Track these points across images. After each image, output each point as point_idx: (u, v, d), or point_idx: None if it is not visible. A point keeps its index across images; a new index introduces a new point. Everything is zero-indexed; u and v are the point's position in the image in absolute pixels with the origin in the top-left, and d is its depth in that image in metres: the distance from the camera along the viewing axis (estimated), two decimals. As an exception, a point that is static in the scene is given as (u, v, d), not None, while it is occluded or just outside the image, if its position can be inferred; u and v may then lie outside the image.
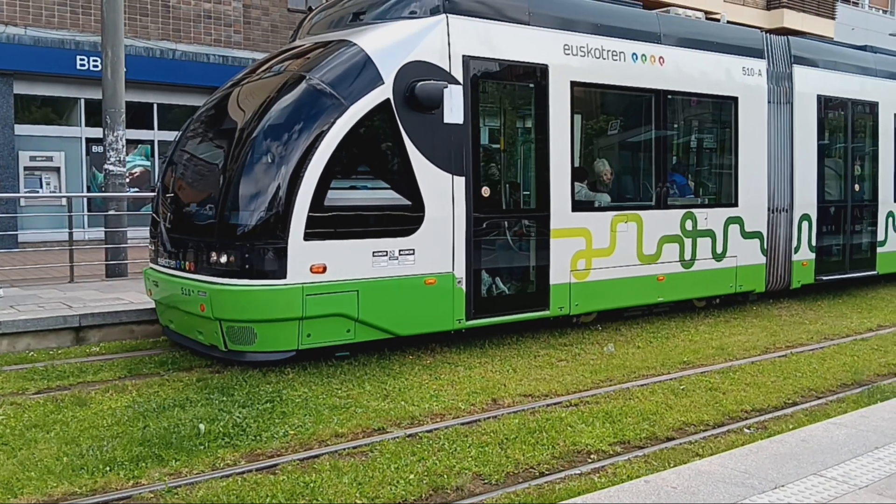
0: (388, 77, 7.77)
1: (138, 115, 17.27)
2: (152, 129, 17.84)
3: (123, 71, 11.64)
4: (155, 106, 17.73)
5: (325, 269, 7.37)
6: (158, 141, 17.71)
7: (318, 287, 7.35)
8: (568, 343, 9.05)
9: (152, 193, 9.88)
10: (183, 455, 5.46)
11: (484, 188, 8.54)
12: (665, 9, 11.35)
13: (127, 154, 13.82)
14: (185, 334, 8.10)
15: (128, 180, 13.44)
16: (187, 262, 7.72)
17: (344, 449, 5.63)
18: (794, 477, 4.42)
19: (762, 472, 4.50)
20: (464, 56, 8.31)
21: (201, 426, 5.92)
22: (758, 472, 4.48)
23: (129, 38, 15.71)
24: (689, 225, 10.36)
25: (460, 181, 8.22)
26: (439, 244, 8.09)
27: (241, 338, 7.39)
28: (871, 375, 7.91)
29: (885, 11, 32.70)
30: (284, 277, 7.23)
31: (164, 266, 8.17)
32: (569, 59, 9.20)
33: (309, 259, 7.30)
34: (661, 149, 10.31)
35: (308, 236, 7.29)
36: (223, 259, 7.31)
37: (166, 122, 17.76)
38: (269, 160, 7.35)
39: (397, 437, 5.84)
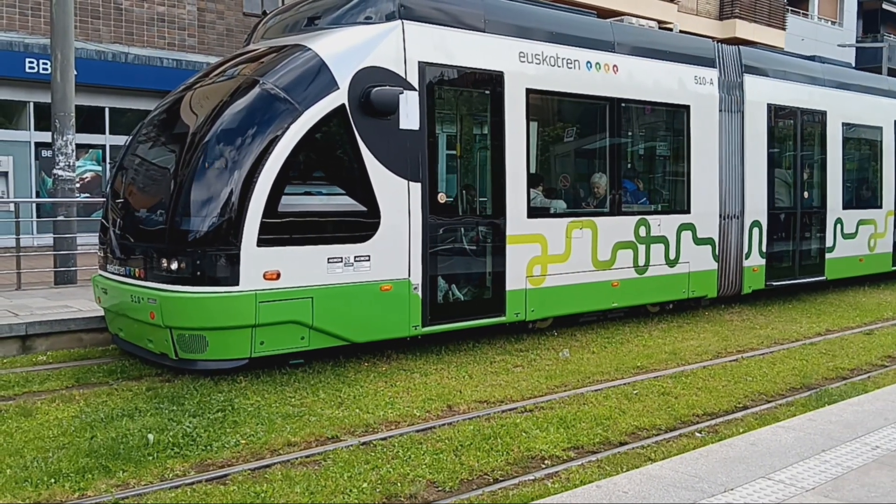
0: (343, 82, 7.73)
1: (90, 120, 16.95)
2: (104, 133, 17.52)
3: (74, 74, 11.41)
4: (107, 110, 17.43)
5: (278, 275, 7.29)
6: (110, 145, 17.40)
7: (272, 294, 7.26)
8: (524, 349, 9.08)
9: (103, 199, 9.68)
10: (131, 466, 5.35)
11: (440, 194, 8.54)
12: (619, 18, 11.49)
13: (78, 159, 13.58)
14: (134, 343, 7.94)
15: (78, 185, 13.15)
16: (137, 269, 7.58)
17: (296, 458, 5.56)
18: (743, 480, 4.47)
19: (712, 475, 4.54)
20: (419, 62, 8.30)
21: (150, 436, 5.80)
22: (708, 476, 4.52)
23: (80, 41, 15.42)
24: (642, 231, 10.48)
25: (416, 187, 8.21)
26: (395, 250, 8.06)
27: (192, 346, 7.27)
28: (819, 379, 8.06)
29: (833, 23, 33.56)
30: (237, 284, 7.14)
31: (113, 273, 8.01)
32: (524, 66, 9.25)
33: (262, 265, 7.21)
34: (616, 156, 10.41)
35: (261, 242, 7.20)
36: (174, 265, 7.19)
37: (118, 127, 17.45)
38: (222, 165, 7.25)
39: (351, 446, 5.78)
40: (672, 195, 11.39)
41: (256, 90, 7.57)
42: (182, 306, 7.15)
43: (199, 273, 7.14)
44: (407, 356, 8.54)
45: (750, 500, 4.20)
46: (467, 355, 8.71)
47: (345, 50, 7.94)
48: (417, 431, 6.15)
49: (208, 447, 5.73)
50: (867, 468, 4.68)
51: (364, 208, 7.90)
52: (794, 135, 13.02)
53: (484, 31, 8.96)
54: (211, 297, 7.13)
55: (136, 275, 7.58)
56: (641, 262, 10.47)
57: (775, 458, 4.83)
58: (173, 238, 7.26)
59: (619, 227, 10.23)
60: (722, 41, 13.67)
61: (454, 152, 9.42)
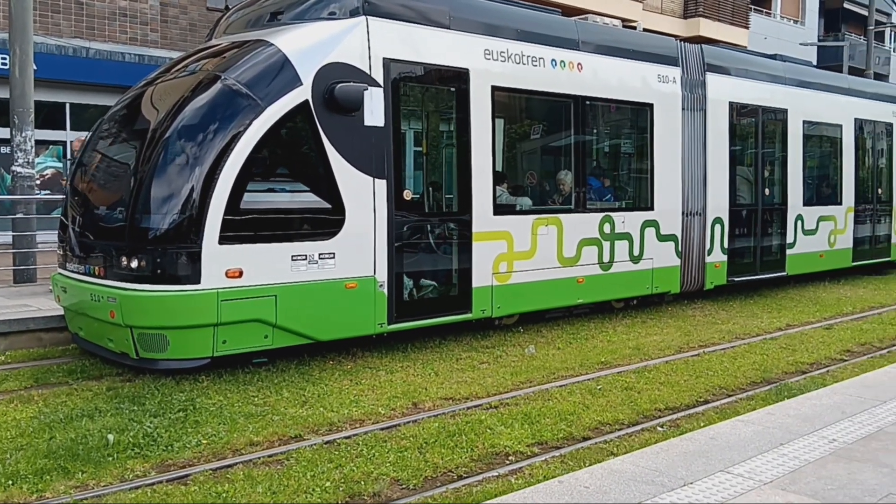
0: (307, 78, 7.67)
1: (50, 115, 16.64)
2: (65, 129, 17.21)
3: (33, 69, 11.18)
4: (67, 105, 17.12)
5: (241, 273, 7.22)
6: (71, 142, 17.09)
7: (234, 292, 7.19)
8: (490, 345, 9.10)
9: (63, 196, 9.52)
10: (90, 467, 5.27)
11: (406, 191, 8.52)
12: (583, 16, 11.55)
13: (38, 155, 13.31)
14: (95, 342, 7.82)
15: (38, 182, 12.91)
16: (97, 268, 7.46)
17: (259, 458, 5.51)
18: (702, 474, 4.52)
19: (672, 469, 4.58)
20: (384, 58, 8.27)
21: (110, 437, 5.72)
22: (668, 470, 4.56)
23: (40, 36, 15.12)
24: (607, 228, 10.55)
25: (381, 184, 8.18)
26: (360, 248, 8.02)
27: (153, 345, 7.17)
28: (779, 373, 8.17)
29: (795, 21, 34.04)
30: (198, 282, 7.06)
31: (72, 271, 7.88)
32: (490, 63, 9.26)
33: (224, 263, 7.14)
34: (581, 153, 10.47)
35: (223, 240, 7.13)
36: (134, 264, 7.08)
37: (80, 123, 17.13)
38: (183, 161, 7.17)
39: (314, 445, 5.75)
40: (636, 192, 11.48)
41: (218, 86, 7.49)
42: (142, 305, 7.05)
43: (159, 271, 7.05)
44: (373, 354, 8.51)
45: (708, 493, 4.25)
46: (433, 352, 8.71)
47: (308, 46, 7.89)
48: (382, 429, 6.13)
49: (169, 447, 5.66)
50: (824, 461, 4.76)
51: (328, 205, 7.85)
52: (756, 132, 13.19)
53: (449, 28, 8.95)
54: (172, 296, 7.04)
55: (96, 273, 7.46)
56: (606, 258, 10.54)
57: (734, 452, 4.89)
58: (133, 236, 7.16)
59: (584, 224, 10.28)
60: (686, 40, 13.81)
61: (420, 149, 9.40)
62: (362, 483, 5.07)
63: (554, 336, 9.69)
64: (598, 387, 7.41)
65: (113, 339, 7.43)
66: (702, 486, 4.36)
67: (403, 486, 5.10)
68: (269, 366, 7.81)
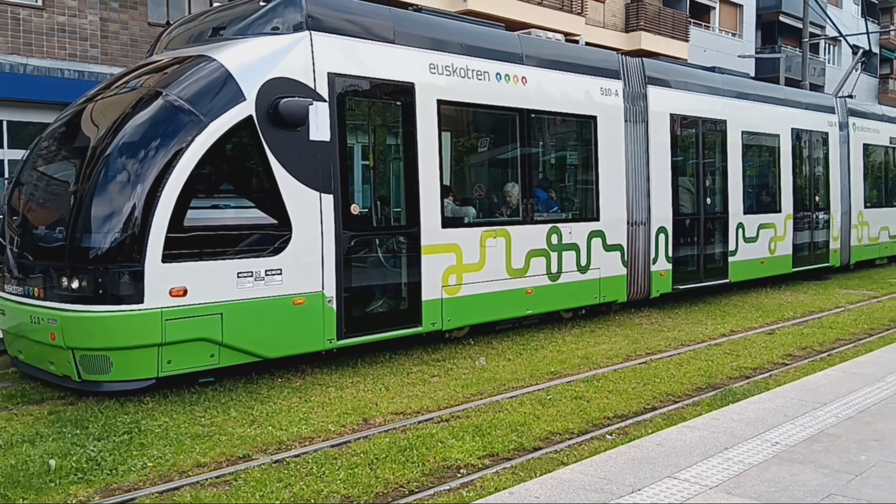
0: (250, 94, 7.61)
1: (-14, 134, 16.20)
2: (2, 147, 16.77)
3: (-34, 86, 10.89)
4: (4, 123, 16.69)
5: (185, 291, 7.11)
6: (9, 160, 16.66)
7: (179, 311, 7.08)
8: (441, 358, 9.10)
9: (0, 216, 9.27)
10: (31, 493, 5.15)
11: (353, 206, 8.50)
12: (527, 30, 11.69)
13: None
14: (35, 365, 7.63)
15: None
16: (36, 289, 7.30)
17: (206, 479, 5.42)
18: (650, 480, 4.59)
19: (620, 477, 4.65)
20: (329, 73, 8.25)
21: (52, 462, 5.60)
22: (616, 478, 4.63)
23: (-25, 52, 14.75)
24: (554, 239, 10.66)
25: (328, 199, 8.14)
26: (308, 263, 7.97)
27: (95, 367, 7.02)
28: (723, 379, 8.33)
29: (734, 34, 34.92)
30: (141, 302, 6.94)
31: (11, 293, 7.68)
32: (435, 77, 9.30)
33: (168, 282, 7.03)
34: (527, 166, 10.57)
35: (166, 258, 7.02)
36: (75, 284, 6.94)
37: (18, 141, 16.70)
38: (124, 179, 7.05)
39: (263, 464, 5.67)
40: (582, 203, 11.64)
41: (160, 102, 7.39)
42: (84, 326, 6.90)
43: (101, 291, 6.91)
44: (322, 370, 8.44)
45: (656, 499, 4.32)
46: (384, 367, 8.68)
47: (251, 61, 7.83)
48: (332, 446, 6.08)
49: (114, 471, 5.54)
50: (767, 464, 4.88)
51: (275, 221, 7.79)
52: (697, 143, 13.48)
53: (394, 43, 8.98)
54: (114, 316, 6.90)
55: (36, 294, 7.29)
56: (554, 269, 10.64)
57: (681, 458, 4.98)
58: (74, 255, 7.01)
59: (531, 236, 10.37)
60: (629, 53, 14.08)
61: (367, 163, 9.39)
62: (312, 502, 5.02)
63: (504, 347, 9.74)
64: (549, 397, 7.46)
65: (54, 361, 7.26)
66: (650, 492, 4.43)
67: (354, 503, 5.06)
68: (216, 385, 7.69)
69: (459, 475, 5.55)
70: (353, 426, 6.63)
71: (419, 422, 6.71)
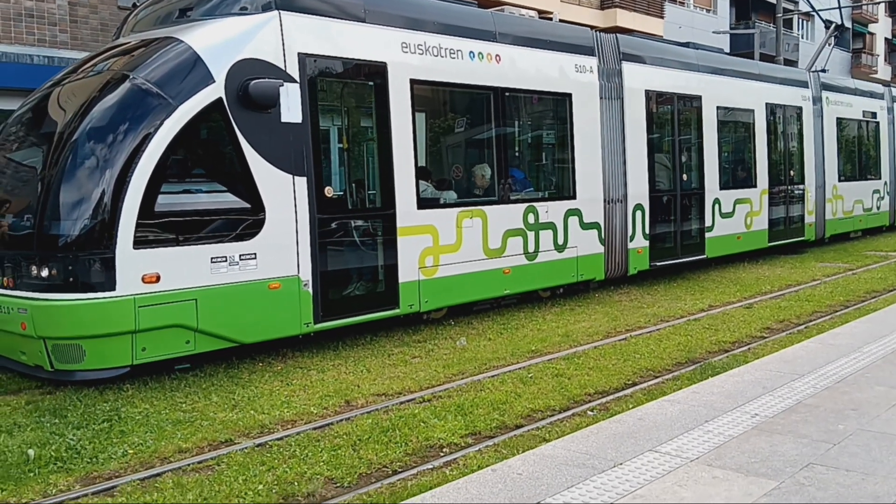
0: (219, 75, 7.57)
1: (-49, 122, 15.94)
2: (-34, 136, 16.52)
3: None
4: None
5: (158, 278, 7.09)
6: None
7: (152, 298, 7.06)
8: (422, 339, 9.17)
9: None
10: (10, 484, 5.15)
11: (327, 188, 8.49)
12: (500, 7, 11.68)
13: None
14: (7, 356, 7.58)
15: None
16: (5, 278, 7.25)
17: (188, 464, 5.45)
18: (631, 454, 4.68)
19: (602, 451, 4.73)
20: (299, 53, 8.21)
21: (30, 452, 5.61)
22: (598, 453, 4.71)
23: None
24: (531, 218, 10.72)
25: (302, 182, 8.13)
26: (282, 247, 7.97)
27: (68, 356, 6.99)
28: (703, 353, 8.46)
29: (708, 11, 35.05)
30: (113, 289, 6.91)
31: (-22, 284, 7.60)
32: (407, 56, 9.28)
33: (140, 268, 7.01)
34: (502, 145, 10.60)
35: (138, 244, 6.99)
36: (44, 272, 6.91)
37: (-18, 129, 16.47)
38: (92, 164, 7.00)
39: (246, 448, 5.71)
40: (558, 182, 11.70)
41: (127, 85, 7.34)
42: (55, 315, 6.87)
43: (71, 279, 6.88)
44: (303, 354, 8.48)
45: (638, 472, 4.40)
46: (365, 349, 8.73)
47: (219, 42, 7.78)
48: (315, 429, 6.12)
49: (94, 459, 5.56)
50: (747, 435, 4.99)
51: (247, 205, 7.77)
52: (672, 119, 13.59)
53: (365, 22, 8.94)
54: (85, 304, 6.87)
55: (5, 284, 7.25)
56: (531, 248, 10.71)
57: (661, 431, 5.08)
58: (43, 243, 6.97)
59: (508, 215, 10.43)
60: (604, 30, 14.11)
61: (340, 145, 9.38)
62: (296, 484, 5.06)
63: (485, 327, 9.82)
64: (530, 375, 7.55)
65: (26, 351, 7.22)
66: (631, 465, 4.52)
67: (338, 485, 5.11)
68: (196, 370, 7.70)
69: (442, 454, 5.62)
70: (336, 408, 6.67)
71: (401, 402, 6.77)
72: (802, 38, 41.05)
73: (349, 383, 7.37)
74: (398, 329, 9.52)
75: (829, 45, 21.60)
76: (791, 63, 31.21)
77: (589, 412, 6.52)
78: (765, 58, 25.92)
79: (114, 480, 5.22)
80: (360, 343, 8.97)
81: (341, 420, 6.32)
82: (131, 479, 5.20)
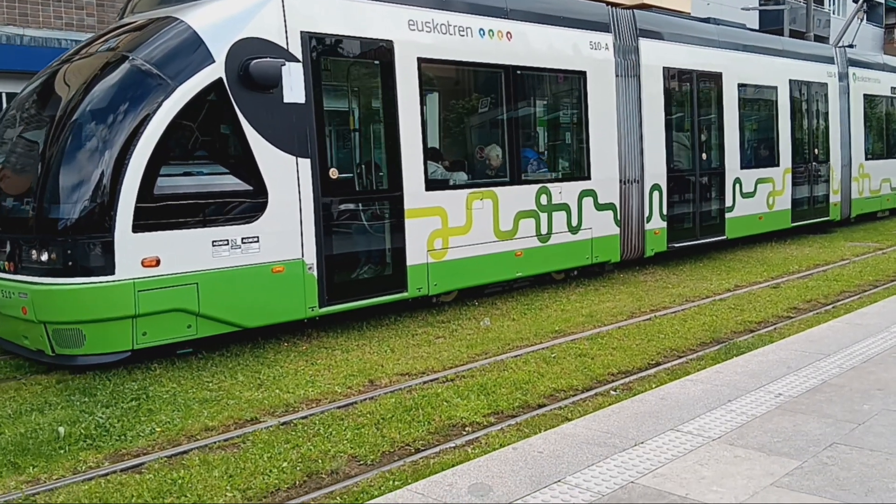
0: (220, 55, 7.66)
1: (-15, 105, 16.23)
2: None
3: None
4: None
5: (158, 262, 7.22)
6: (9, 131, 16.69)
7: (152, 282, 7.19)
8: (446, 320, 9.36)
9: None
10: (41, 461, 5.38)
11: (332, 170, 8.56)
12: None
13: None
14: (10, 340, 7.76)
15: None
16: (6, 262, 7.39)
17: (214, 442, 5.64)
18: (652, 433, 4.78)
19: (623, 430, 4.84)
20: (302, 32, 8.27)
21: (61, 429, 5.84)
22: (619, 432, 4.82)
23: (-27, 25, 14.85)
24: (543, 200, 10.80)
25: (305, 163, 8.22)
26: (286, 230, 8.07)
27: (68, 341, 7.15)
28: (728, 333, 8.57)
29: (737, -15, 34.83)
30: (113, 273, 7.04)
31: (-20, 268, 7.74)
32: (415, 34, 9.33)
33: (139, 252, 7.14)
34: (514, 125, 10.68)
35: (137, 228, 7.12)
36: (44, 256, 7.05)
37: (17, 113, 16.76)
38: (92, 147, 7.13)
39: (271, 426, 5.90)
40: (572, 162, 11.79)
41: (126, 66, 7.46)
42: (55, 299, 7.02)
43: (70, 263, 7.01)
44: (328, 334, 8.69)
45: (659, 451, 4.50)
46: (389, 329, 8.94)
47: (220, 21, 7.87)
48: (339, 408, 6.31)
49: (122, 437, 5.77)
50: (770, 415, 5.08)
51: (249, 187, 7.87)
52: (691, 97, 13.64)
53: (370, -1, 9.01)
54: (85, 289, 7.01)
55: (6, 268, 7.40)
56: (544, 230, 10.79)
57: (683, 411, 5.18)
58: (42, 227, 7.11)
59: (519, 197, 10.51)
60: (631, 7, 14.07)
61: (345, 126, 9.47)
62: (320, 461, 5.22)
63: (509, 308, 9.98)
64: (553, 355, 7.68)
65: (28, 336, 7.38)
66: (652, 444, 4.61)
67: (361, 462, 5.27)
68: (223, 350, 7.95)
69: (465, 433, 5.77)
70: (360, 388, 6.86)
71: (424, 382, 6.95)
72: (834, 13, 40.84)
73: (373, 363, 7.56)
74: (422, 310, 9.72)
75: (859, 19, 21.52)
76: (822, 39, 31.04)
77: (612, 392, 6.64)
78: (795, 34, 25.80)
79: (142, 458, 5.43)
80: (384, 323, 9.19)
81: (365, 399, 6.50)
82: (159, 457, 5.40)
